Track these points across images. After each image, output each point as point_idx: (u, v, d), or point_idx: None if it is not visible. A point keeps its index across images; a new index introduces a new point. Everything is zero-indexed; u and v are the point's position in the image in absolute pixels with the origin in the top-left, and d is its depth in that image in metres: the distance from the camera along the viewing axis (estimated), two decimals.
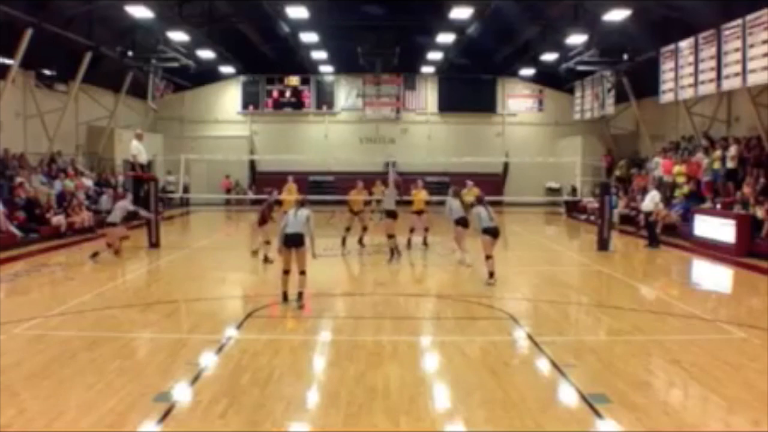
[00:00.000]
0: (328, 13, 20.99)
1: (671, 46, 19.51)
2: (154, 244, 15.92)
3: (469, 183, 18.73)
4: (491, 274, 11.27)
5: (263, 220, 13.87)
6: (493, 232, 11.38)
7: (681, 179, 19.58)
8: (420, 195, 16.42)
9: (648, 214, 16.91)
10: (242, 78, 31.21)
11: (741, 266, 13.70)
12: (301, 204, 9.68)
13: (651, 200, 16.88)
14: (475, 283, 11.52)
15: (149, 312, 9.37)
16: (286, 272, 9.48)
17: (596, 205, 18.46)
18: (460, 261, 13.42)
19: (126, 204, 14.65)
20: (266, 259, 13.44)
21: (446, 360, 7.14)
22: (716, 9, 16.98)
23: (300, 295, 9.39)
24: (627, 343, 7.82)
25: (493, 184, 27.80)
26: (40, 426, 5.22)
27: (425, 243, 16.32)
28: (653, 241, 16.32)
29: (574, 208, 25.15)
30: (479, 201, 11.98)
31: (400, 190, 15.83)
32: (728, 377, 6.46)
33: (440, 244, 16.78)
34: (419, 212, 16.50)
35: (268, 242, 13.63)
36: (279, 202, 15.28)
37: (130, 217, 15.64)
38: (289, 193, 18.28)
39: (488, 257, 11.29)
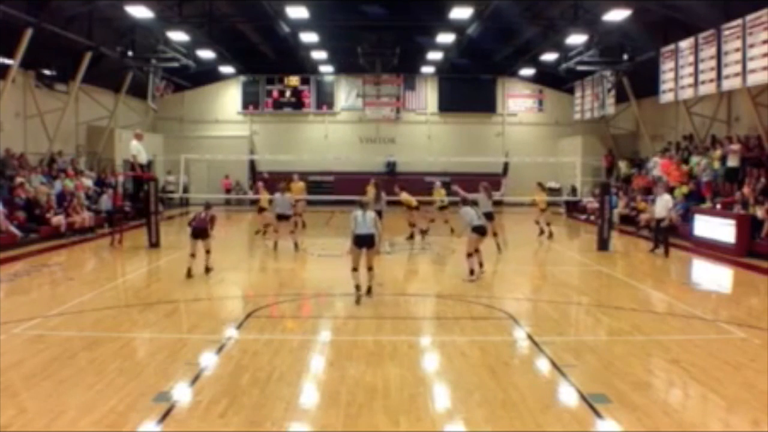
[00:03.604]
0: (328, 13, 20.96)
1: (671, 46, 19.51)
2: (154, 244, 15.93)
3: (437, 183, 19.43)
4: (472, 272, 11.72)
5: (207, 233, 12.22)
6: (481, 230, 11.80)
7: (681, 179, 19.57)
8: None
9: (660, 220, 15.29)
10: (242, 78, 31.18)
11: (741, 266, 13.71)
12: (362, 206, 10.09)
13: (664, 206, 15.27)
14: (475, 283, 11.52)
15: (149, 312, 9.37)
16: (356, 269, 9.90)
17: (596, 205, 18.45)
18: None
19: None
20: (207, 269, 12.26)
21: (446, 360, 7.14)
22: (716, 9, 16.97)
23: (369, 288, 10.03)
24: (627, 343, 7.82)
25: (493, 184, 27.79)
26: (40, 426, 5.22)
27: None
28: (657, 246, 15.30)
29: (574, 208, 25.14)
30: (464, 201, 12.35)
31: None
32: (728, 377, 6.46)
33: (440, 244, 16.82)
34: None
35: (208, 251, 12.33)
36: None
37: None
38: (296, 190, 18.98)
39: (470, 255, 11.73)
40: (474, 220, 11.67)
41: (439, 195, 18.73)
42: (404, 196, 17.49)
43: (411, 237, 17.42)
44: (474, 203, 12.53)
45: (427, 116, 31.71)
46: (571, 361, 6.97)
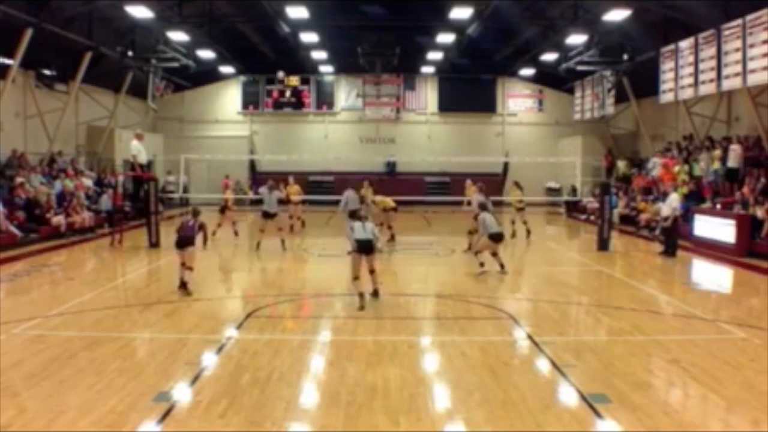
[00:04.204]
0: (328, 13, 20.97)
1: (671, 46, 19.51)
2: (154, 244, 15.93)
3: (469, 181, 19.01)
4: (502, 266, 12.33)
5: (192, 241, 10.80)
6: (497, 237, 12.33)
7: (682, 178, 19.54)
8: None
9: (666, 219, 15.04)
10: (242, 78, 31.18)
11: (741, 266, 13.70)
12: (360, 218, 10.19)
13: (669, 204, 14.98)
14: (475, 283, 11.53)
15: (149, 312, 9.37)
16: (357, 278, 9.80)
17: (596, 205, 18.44)
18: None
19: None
20: (185, 287, 10.58)
21: (446, 360, 7.14)
22: (716, 9, 16.97)
23: (376, 291, 10.02)
24: (627, 343, 7.83)
25: (493, 184, 27.89)
26: (40, 426, 5.22)
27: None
28: (669, 250, 14.89)
29: (574, 208, 25.14)
30: (483, 207, 12.86)
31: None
32: (728, 377, 6.46)
33: (440, 244, 16.83)
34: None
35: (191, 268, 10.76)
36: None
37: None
38: (292, 193, 19.39)
39: (478, 252, 12.46)
40: (492, 227, 12.19)
41: (471, 193, 18.51)
42: (380, 198, 17.00)
43: (392, 238, 16.73)
44: (485, 207, 12.99)
45: (427, 116, 31.70)
46: (571, 361, 6.97)
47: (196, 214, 11.23)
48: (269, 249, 15.63)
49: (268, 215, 15.82)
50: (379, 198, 17.08)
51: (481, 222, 12.47)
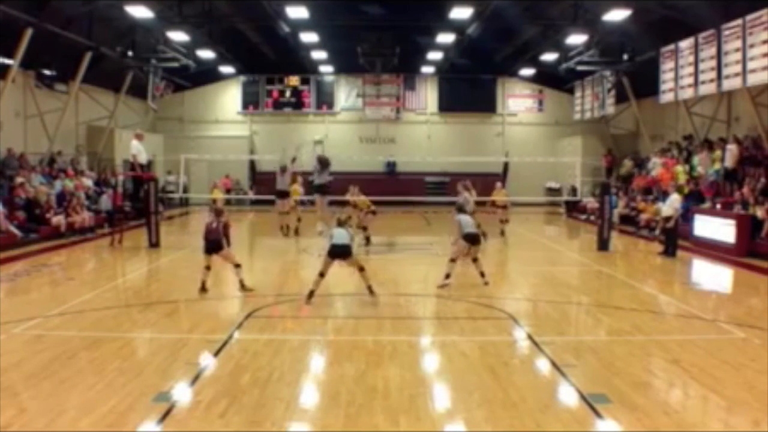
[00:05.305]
0: (328, 13, 20.98)
1: (671, 46, 19.52)
2: (154, 244, 15.92)
3: (498, 185, 18.93)
4: (447, 276, 11.10)
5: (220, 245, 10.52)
6: (473, 239, 11.25)
7: (682, 179, 19.54)
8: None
9: (666, 219, 14.93)
10: (242, 78, 31.19)
11: (741, 266, 13.70)
12: (340, 223, 10.40)
13: (670, 205, 14.86)
14: (476, 284, 11.51)
15: (149, 312, 9.37)
16: (323, 275, 9.84)
17: (596, 205, 18.44)
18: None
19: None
20: (243, 287, 10.63)
21: (446, 360, 7.14)
22: (716, 9, 16.99)
23: (370, 288, 9.92)
24: (627, 343, 7.82)
25: (493, 184, 27.90)
26: (40, 426, 5.22)
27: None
28: (669, 250, 14.77)
29: (574, 208, 25.16)
30: (460, 209, 11.99)
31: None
32: (728, 377, 6.46)
33: (440, 244, 16.82)
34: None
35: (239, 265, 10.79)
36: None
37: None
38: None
39: (453, 260, 11.23)
40: (467, 227, 11.29)
41: (499, 196, 18.12)
42: (362, 199, 16.55)
43: (368, 241, 16.27)
44: (463, 210, 12.22)
45: (427, 116, 31.71)
46: (571, 361, 6.96)
47: (219, 214, 10.76)
48: (270, 249, 15.63)
49: (282, 194, 16.44)
50: (361, 199, 16.72)
51: (455, 224, 11.47)
